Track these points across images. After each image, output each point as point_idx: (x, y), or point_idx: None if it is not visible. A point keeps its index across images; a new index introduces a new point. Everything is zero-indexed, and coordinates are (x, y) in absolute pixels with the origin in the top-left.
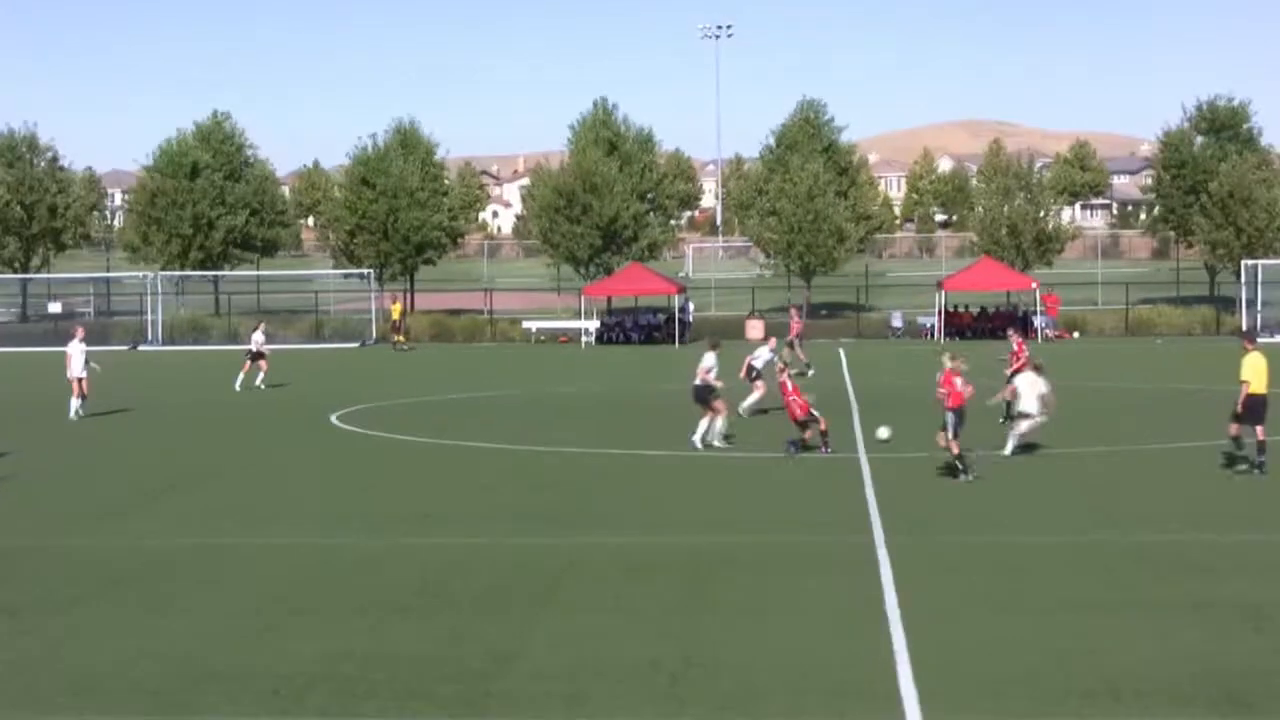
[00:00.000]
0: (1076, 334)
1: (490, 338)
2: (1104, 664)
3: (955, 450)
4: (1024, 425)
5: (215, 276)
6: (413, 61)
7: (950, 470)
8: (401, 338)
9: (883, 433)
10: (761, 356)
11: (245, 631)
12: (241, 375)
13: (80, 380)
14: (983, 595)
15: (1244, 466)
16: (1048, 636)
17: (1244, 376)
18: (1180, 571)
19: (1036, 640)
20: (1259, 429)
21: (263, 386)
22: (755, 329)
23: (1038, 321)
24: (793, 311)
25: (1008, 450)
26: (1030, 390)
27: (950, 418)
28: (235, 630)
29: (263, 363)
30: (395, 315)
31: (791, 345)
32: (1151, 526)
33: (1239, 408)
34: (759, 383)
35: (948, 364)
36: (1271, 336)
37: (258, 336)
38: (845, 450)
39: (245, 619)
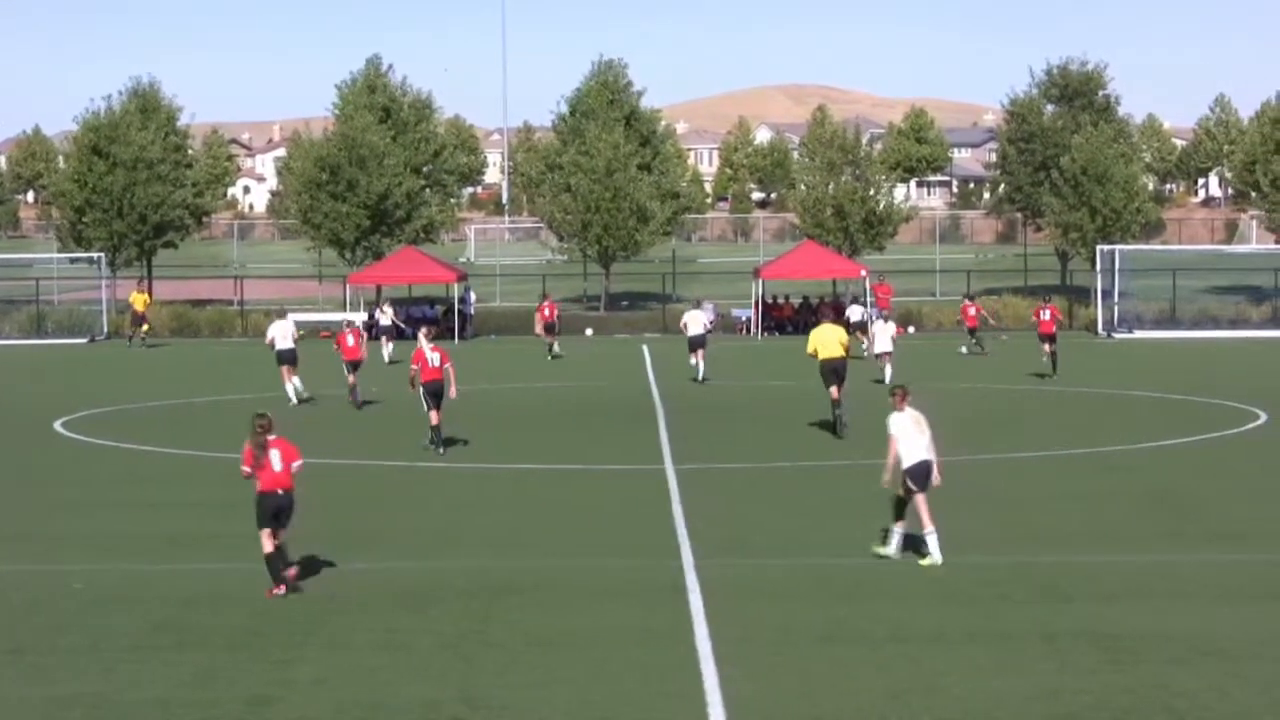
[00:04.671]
0: (911, 329)
1: (241, 332)
2: (944, 702)
3: (434, 421)
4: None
5: None
6: (150, 11)
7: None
8: (144, 330)
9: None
10: None
11: None
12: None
13: None
14: (805, 626)
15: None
16: (879, 671)
17: (809, 349)
18: (1026, 597)
19: (867, 676)
20: (834, 390)
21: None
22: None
23: (870, 314)
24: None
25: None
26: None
27: (422, 391)
28: None
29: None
30: (141, 307)
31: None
32: (991, 547)
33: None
34: None
35: (421, 341)
36: (1130, 332)
37: (388, 310)
38: (650, 462)
39: None
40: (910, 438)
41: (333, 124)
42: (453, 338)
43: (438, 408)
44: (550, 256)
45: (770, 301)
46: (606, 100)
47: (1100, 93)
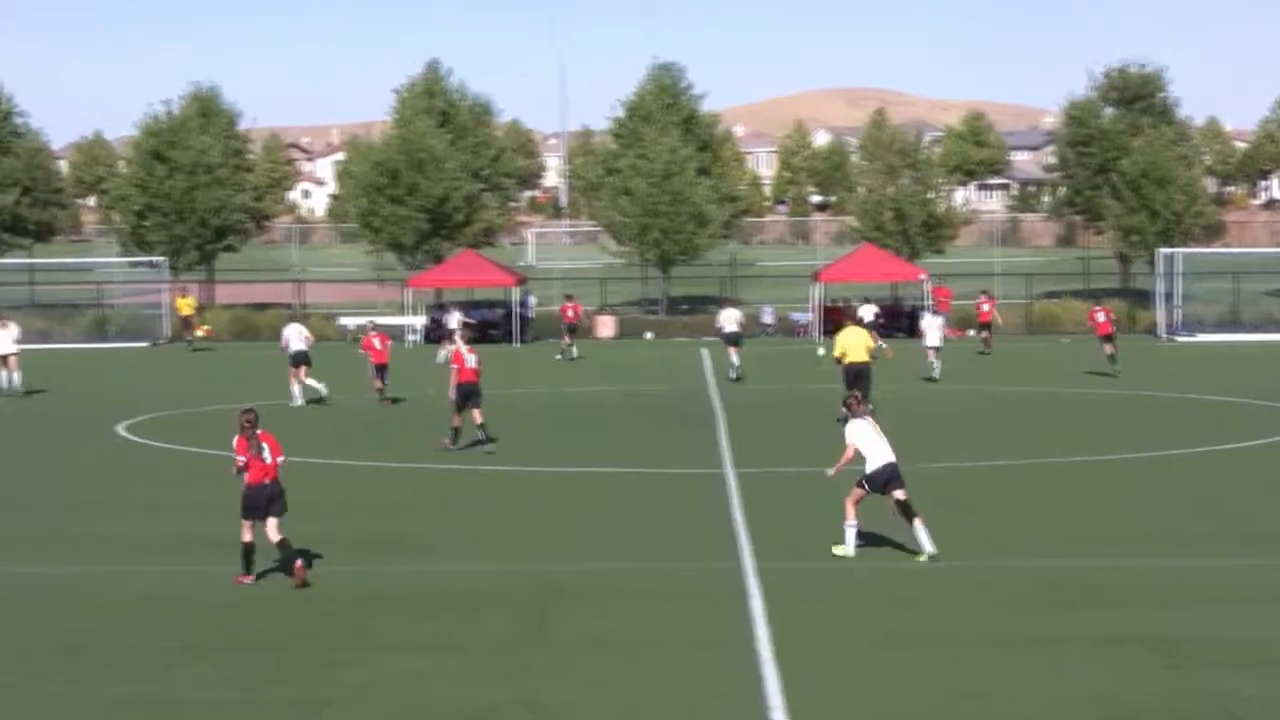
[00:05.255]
0: (971, 332)
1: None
2: (998, 707)
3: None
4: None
5: None
6: (210, 16)
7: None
8: (201, 332)
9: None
10: None
11: (6, 676)
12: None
13: None
14: (864, 629)
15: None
16: (936, 676)
17: (836, 352)
18: (1081, 602)
19: (923, 680)
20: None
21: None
22: (606, 325)
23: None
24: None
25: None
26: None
27: (455, 391)
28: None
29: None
30: (187, 311)
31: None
32: (1048, 550)
33: (843, 376)
34: None
35: (459, 342)
36: (1192, 335)
37: (455, 314)
38: (710, 465)
39: (5, 661)
40: (871, 442)
41: (391, 128)
42: (512, 341)
43: (477, 407)
44: (609, 260)
45: (830, 304)
46: (664, 104)
47: (1159, 95)
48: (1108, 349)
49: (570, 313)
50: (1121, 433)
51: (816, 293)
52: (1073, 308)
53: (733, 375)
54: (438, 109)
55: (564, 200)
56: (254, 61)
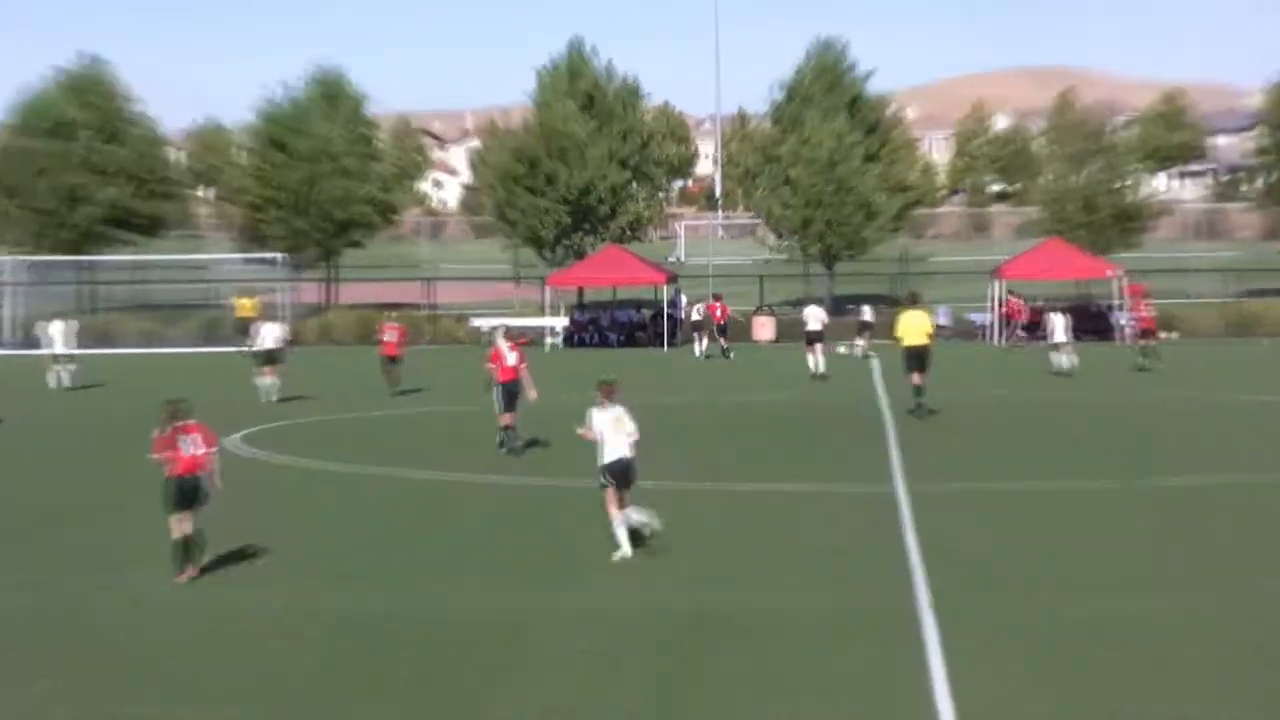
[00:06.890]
0: (1171, 334)
1: (431, 338)
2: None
3: (506, 422)
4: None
5: (88, 262)
6: None
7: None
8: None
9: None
10: None
11: (98, 710)
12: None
13: None
14: (1056, 675)
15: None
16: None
17: (897, 333)
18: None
19: None
20: (915, 376)
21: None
22: (765, 327)
23: (1120, 319)
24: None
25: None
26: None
27: (498, 391)
28: (86, 708)
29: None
30: (247, 312)
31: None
32: (1265, 585)
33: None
34: None
35: (498, 340)
36: None
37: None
38: (880, 483)
39: (98, 694)
40: (609, 434)
41: (531, 112)
42: (661, 344)
43: (512, 409)
44: (768, 256)
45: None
46: (827, 85)
47: None
48: (1150, 342)
49: (719, 312)
50: None
51: (997, 290)
52: (1276, 307)
53: (816, 373)
54: (581, 91)
55: (718, 190)
56: (383, 41)
